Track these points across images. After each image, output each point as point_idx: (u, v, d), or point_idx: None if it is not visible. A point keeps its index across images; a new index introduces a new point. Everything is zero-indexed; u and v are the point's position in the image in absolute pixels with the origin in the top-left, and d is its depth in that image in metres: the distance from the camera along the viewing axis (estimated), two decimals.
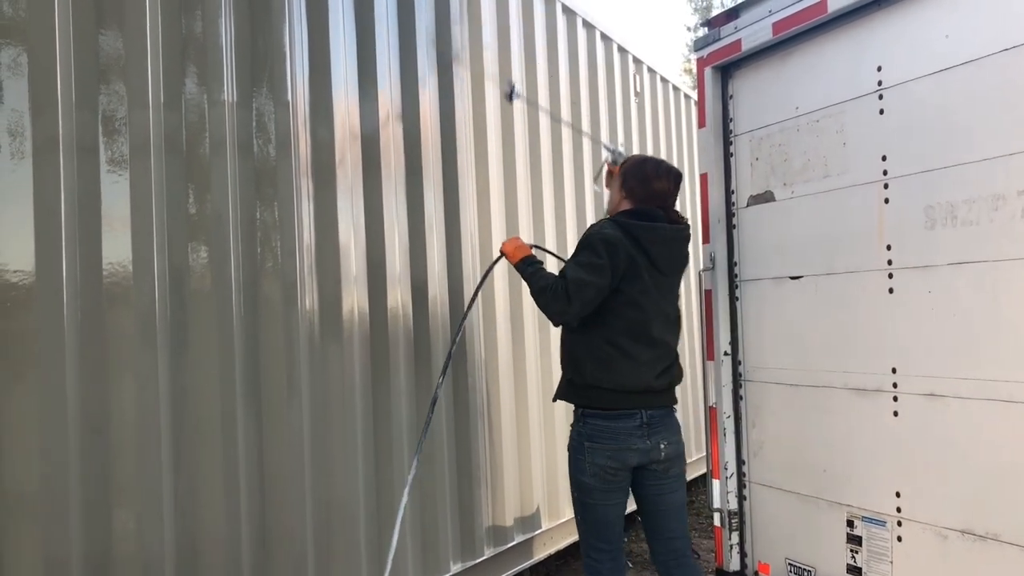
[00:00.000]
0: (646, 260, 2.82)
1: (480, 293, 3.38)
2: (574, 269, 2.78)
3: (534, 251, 3.10)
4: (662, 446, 2.83)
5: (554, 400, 3.09)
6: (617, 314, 2.80)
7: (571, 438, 2.92)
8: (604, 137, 5.11)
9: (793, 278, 3.15)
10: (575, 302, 2.73)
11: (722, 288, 3.48)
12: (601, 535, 2.85)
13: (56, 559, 2.14)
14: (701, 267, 3.57)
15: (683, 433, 2.97)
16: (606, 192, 3.24)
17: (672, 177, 2.98)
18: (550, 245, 4.46)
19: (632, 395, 2.81)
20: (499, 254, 3.18)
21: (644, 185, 2.93)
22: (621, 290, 2.78)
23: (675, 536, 2.93)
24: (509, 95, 4.13)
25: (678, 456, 2.91)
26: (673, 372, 2.93)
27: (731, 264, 3.48)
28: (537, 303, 2.89)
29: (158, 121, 2.53)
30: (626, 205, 2.95)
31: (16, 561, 2.07)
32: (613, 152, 3.52)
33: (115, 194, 2.39)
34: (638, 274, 2.79)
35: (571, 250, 4.59)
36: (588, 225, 4.77)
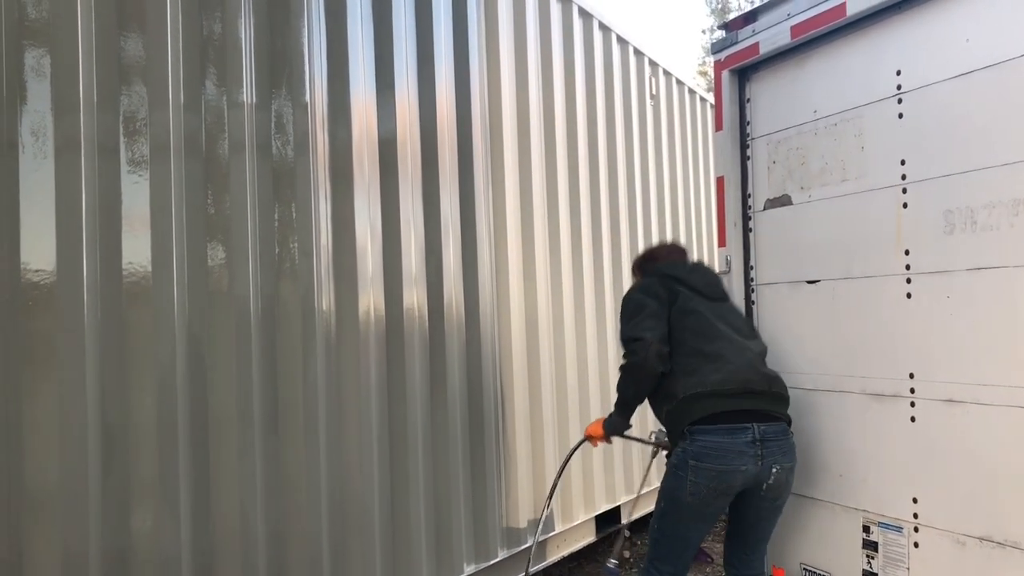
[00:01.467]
0: (686, 288, 2.94)
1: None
2: (623, 325, 2.93)
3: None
4: (774, 470, 2.69)
5: (668, 455, 2.89)
6: (684, 327, 2.84)
7: (675, 454, 2.75)
8: (619, 135, 5.09)
9: (810, 282, 3.14)
10: (643, 333, 2.78)
11: (738, 292, 3.46)
12: (674, 553, 2.78)
13: (75, 556, 2.16)
14: (716, 270, 3.57)
15: None
16: None
17: (663, 246, 3.31)
18: (564, 244, 4.46)
19: (733, 398, 2.66)
20: (582, 438, 3.27)
21: (650, 262, 3.22)
22: (676, 306, 2.88)
23: (763, 539, 2.93)
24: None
25: (788, 484, 2.79)
26: (773, 376, 2.82)
27: (747, 268, 3.46)
28: (640, 388, 2.86)
29: (178, 122, 2.55)
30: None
31: (35, 558, 2.09)
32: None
33: (136, 195, 2.42)
34: (681, 292, 2.92)
35: (588, 258, 4.64)
36: (596, 226, 4.80)
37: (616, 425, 3.02)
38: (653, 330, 2.79)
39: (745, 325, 3.01)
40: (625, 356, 2.86)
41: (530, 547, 3.48)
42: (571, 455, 3.49)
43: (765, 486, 2.71)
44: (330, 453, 2.93)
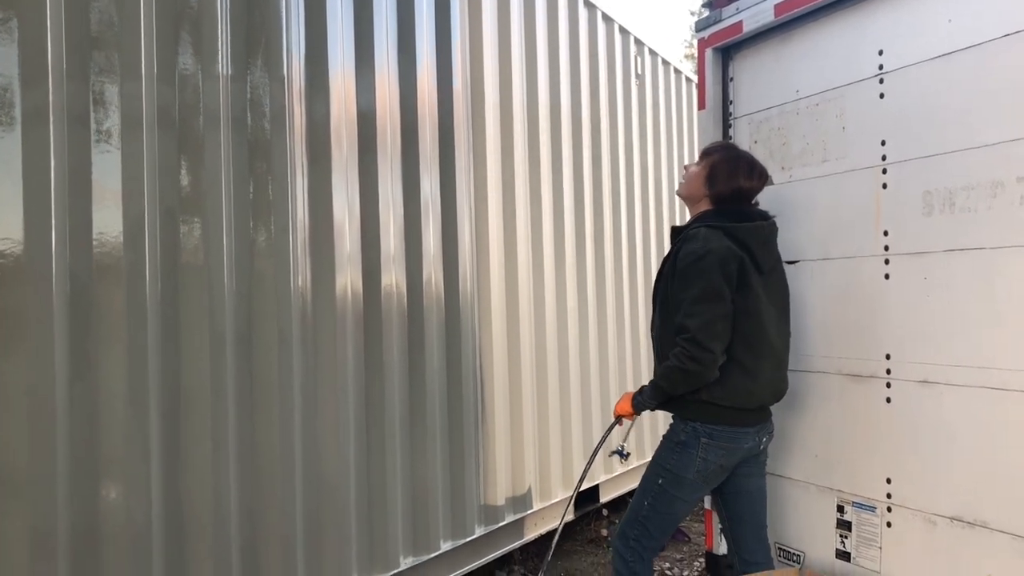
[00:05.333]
0: (752, 264, 2.67)
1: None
2: (694, 310, 2.59)
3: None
4: (764, 440, 2.81)
5: (655, 409, 2.89)
6: (734, 327, 2.63)
7: (683, 431, 2.71)
8: (604, 116, 5.07)
9: (789, 263, 3.14)
10: (715, 345, 2.56)
11: None
12: (664, 528, 2.79)
13: (42, 533, 2.14)
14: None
15: None
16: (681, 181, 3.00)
17: (760, 176, 2.81)
18: (546, 225, 4.44)
19: (748, 413, 2.70)
20: (614, 419, 3.01)
21: (731, 186, 2.77)
22: (736, 300, 2.62)
23: (764, 524, 2.92)
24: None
25: (768, 445, 2.89)
26: (785, 387, 2.84)
27: None
28: (690, 387, 2.66)
29: (151, 93, 2.50)
30: (706, 205, 2.82)
31: (2, 535, 2.06)
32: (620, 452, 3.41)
33: (106, 167, 2.37)
34: (747, 282, 2.64)
35: (570, 239, 4.62)
36: (579, 206, 4.77)
37: (647, 406, 2.84)
38: (724, 338, 2.59)
39: (786, 309, 2.86)
40: (688, 357, 2.58)
41: (556, 529, 3.27)
42: (604, 438, 3.19)
43: (755, 455, 2.81)
44: (305, 430, 2.92)
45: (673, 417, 2.80)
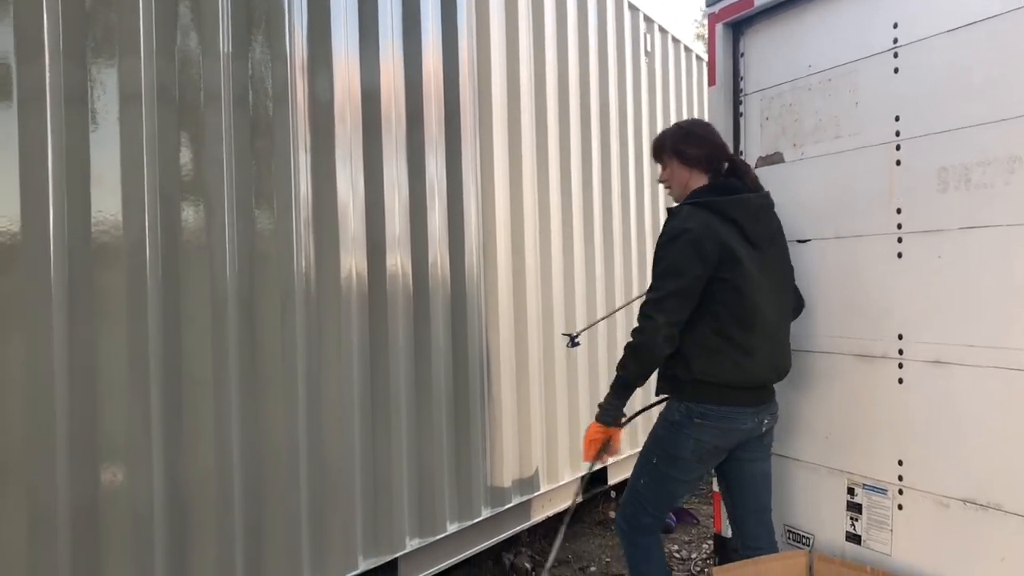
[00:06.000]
0: (741, 238, 2.61)
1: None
2: (653, 286, 2.60)
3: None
4: (766, 421, 2.76)
5: (656, 395, 2.84)
6: (723, 303, 2.59)
7: (677, 410, 2.68)
8: (613, 96, 4.99)
9: (800, 242, 3.08)
10: (659, 316, 2.53)
11: None
12: (661, 505, 2.79)
13: (42, 512, 2.12)
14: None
15: None
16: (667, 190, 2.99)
17: (715, 130, 2.89)
18: (553, 206, 4.39)
19: (745, 392, 2.66)
20: (593, 460, 2.77)
21: (704, 145, 2.79)
22: (722, 278, 2.58)
23: (767, 508, 2.89)
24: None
25: (772, 430, 2.85)
26: (787, 363, 2.80)
27: None
28: (643, 369, 2.64)
29: (150, 70, 2.46)
30: (699, 181, 2.79)
31: (2, 515, 2.05)
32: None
33: (105, 146, 2.33)
34: (735, 257, 2.58)
35: (577, 220, 4.57)
36: (587, 187, 4.71)
37: (614, 414, 2.72)
38: (672, 313, 2.55)
39: (786, 281, 2.84)
40: (634, 331, 2.61)
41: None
42: (584, 481, 3.05)
43: (757, 436, 2.77)
44: (309, 412, 2.89)
45: (669, 397, 2.77)
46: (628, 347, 2.64)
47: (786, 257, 2.86)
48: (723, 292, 2.59)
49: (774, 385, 2.83)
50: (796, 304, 2.93)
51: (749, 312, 2.61)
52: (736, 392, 2.64)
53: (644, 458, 2.80)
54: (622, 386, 2.70)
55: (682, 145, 2.82)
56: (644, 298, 2.66)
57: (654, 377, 2.79)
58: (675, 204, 2.85)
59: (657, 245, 2.68)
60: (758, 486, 2.85)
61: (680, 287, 2.55)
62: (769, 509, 2.89)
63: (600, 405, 2.75)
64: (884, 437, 2.77)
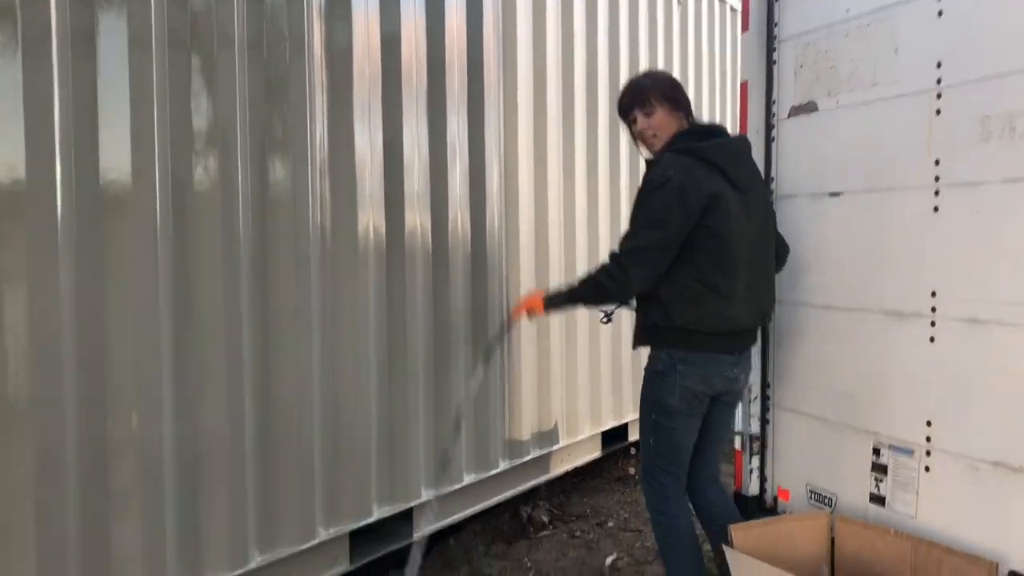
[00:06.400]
0: (725, 182, 2.59)
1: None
2: (633, 233, 2.58)
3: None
4: (741, 378, 2.84)
5: (634, 348, 2.90)
6: (703, 250, 2.56)
7: (659, 360, 2.71)
8: (643, 47, 4.83)
9: (832, 195, 2.97)
10: (637, 274, 2.54)
11: None
12: (673, 459, 2.78)
13: (51, 459, 2.11)
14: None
15: None
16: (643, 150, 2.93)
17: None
18: (580, 165, 4.28)
19: (725, 337, 2.68)
20: (519, 315, 2.92)
21: (683, 93, 2.84)
22: (705, 225, 2.54)
23: (715, 461, 2.99)
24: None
25: (743, 388, 2.96)
26: (769, 306, 2.87)
27: (767, 179, 3.29)
28: (598, 304, 2.75)
29: (160, 13, 2.39)
30: (679, 125, 2.77)
31: (9, 459, 2.04)
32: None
33: (113, 92, 2.27)
34: (720, 203, 2.54)
35: (603, 180, 4.46)
36: (615, 146, 4.59)
37: (555, 304, 2.80)
38: (649, 267, 2.54)
39: (768, 225, 2.83)
40: (607, 274, 2.57)
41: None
42: (504, 333, 3.25)
43: (732, 392, 2.84)
44: (324, 361, 2.87)
45: (651, 348, 2.78)
46: (595, 283, 2.62)
47: (768, 202, 2.87)
48: (705, 240, 2.56)
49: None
50: (780, 251, 2.94)
51: (731, 259, 2.59)
52: (715, 339, 2.66)
53: (643, 418, 2.82)
54: (574, 300, 2.76)
55: (671, 91, 2.79)
56: (621, 242, 2.62)
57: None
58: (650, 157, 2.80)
59: (639, 193, 2.65)
60: (718, 442, 2.95)
61: (662, 240, 2.53)
62: (716, 462, 2.98)
63: (552, 294, 2.80)
64: (912, 396, 2.68)
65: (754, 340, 2.89)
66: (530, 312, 2.85)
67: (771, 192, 3.21)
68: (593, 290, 2.65)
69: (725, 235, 2.57)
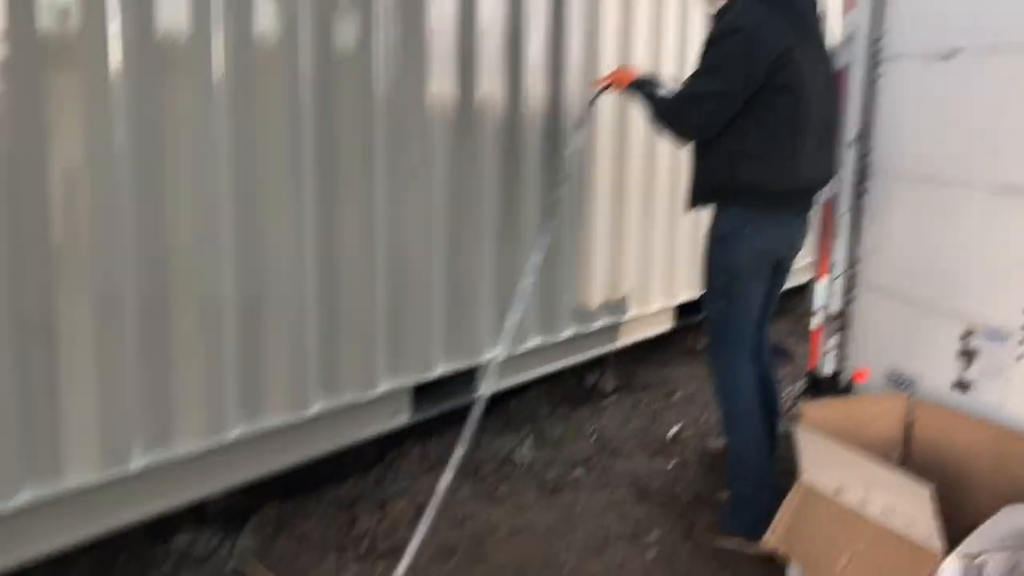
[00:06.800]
0: (796, 31, 2.47)
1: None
2: (699, 80, 2.55)
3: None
4: (798, 245, 2.84)
5: (692, 208, 2.86)
6: (773, 107, 2.48)
7: (728, 220, 2.66)
8: None
9: (945, 57, 2.65)
10: (696, 122, 2.53)
11: (859, 65, 2.99)
12: (743, 327, 2.75)
13: (111, 299, 2.12)
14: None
15: None
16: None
17: None
18: (671, 31, 3.97)
19: (794, 195, 2.68)
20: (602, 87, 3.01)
21: None
22: (775, 81, 2.45)
23: (766, 331, 3.00)
24: None
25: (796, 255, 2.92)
26: (833, 167, 2.81)
27: (875, 37, 2.96)
28: (657, 124, 2.72)
29: None
30: None
31: (69, 302, 2.06)
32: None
33: None
34: (791, 56, 2.44)
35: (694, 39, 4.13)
36: None
37: (641, 92, 2.80)
38: (709, 118, 2.52)
39: (827, 76, 2.70)
40: (675, 114, 2.62)
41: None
42: (596, 100, 3.15)
43: (789, 258, 2.86)
44: (389, 216, 2.79)
45: (714, 209, 2.72)
46: (664, 107, 2.66)
47: (829, 54, 2.75)
48: (775, 95, 2.47)
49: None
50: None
51: (802, 115, 2.51)
52: (781, 197, 2.62)
53: (709, 289, 2.79)
54: (647, 105, 2.75)
55: None
56: (689, 83, 2.60)
57: None
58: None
59: (708, 40, 2.57)
60: (769, 307, 2.92)
61: (724, 91, 2.47)
62: (766, 327, 2.99)
63: (641, 80, 2.83)
64: (1012, 280, 2.46)
65: (812, 204, 2.85)
66: (615, 83, 2.91)
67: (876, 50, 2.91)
68: (659, 114, 2.67)
69: (797, 91, 2.47)
